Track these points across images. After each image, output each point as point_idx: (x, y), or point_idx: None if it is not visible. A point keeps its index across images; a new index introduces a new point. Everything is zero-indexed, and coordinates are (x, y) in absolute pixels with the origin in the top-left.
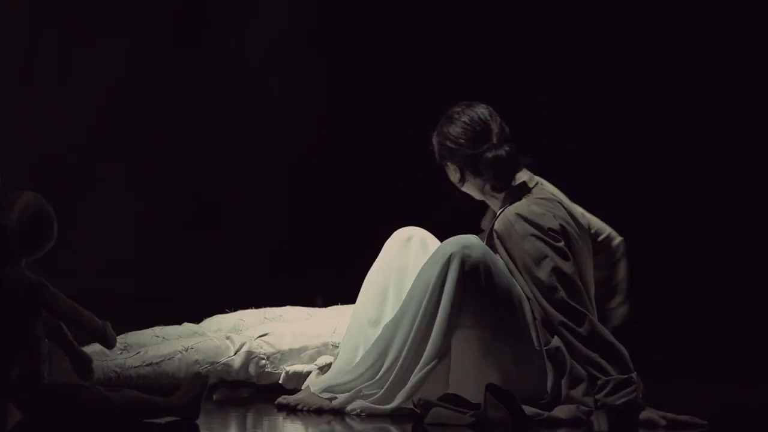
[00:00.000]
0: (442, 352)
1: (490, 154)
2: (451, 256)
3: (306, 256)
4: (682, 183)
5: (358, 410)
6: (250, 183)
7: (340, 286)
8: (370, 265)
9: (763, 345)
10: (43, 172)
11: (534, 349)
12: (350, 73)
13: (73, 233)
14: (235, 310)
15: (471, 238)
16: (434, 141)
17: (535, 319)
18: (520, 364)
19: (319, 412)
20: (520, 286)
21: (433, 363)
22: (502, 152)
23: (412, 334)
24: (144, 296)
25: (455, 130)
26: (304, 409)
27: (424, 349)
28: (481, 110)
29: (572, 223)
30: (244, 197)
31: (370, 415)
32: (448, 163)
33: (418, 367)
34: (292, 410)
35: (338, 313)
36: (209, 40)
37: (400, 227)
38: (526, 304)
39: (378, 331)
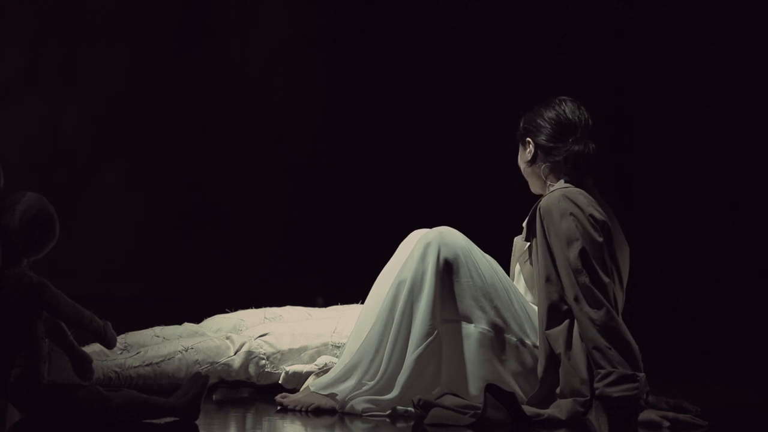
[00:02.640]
0: (430, 333)
1: (577, 146)
2: (428, 244)
3: (306, 256)
4: (681, 183)
5: (360, 410)
6: (251, 183)
7: (340, 286)
8: (371, 265)
9: (763, 345)
10: (45, 173)
11: (525, 342)
12: (351, 76)
13: (75, 233)
14: (235, 310)
15: (450, 229)
16: (525, 116)
17: (527, 312)
18: (508, 356)
19: (317, 412)
20: (547, 265)
21: (422, 346)
22: (590, 147)
23: (396, 321)
24: (144, 296)
25: (551, 112)
26: (302, 408)
27: (410, 334)
28: (582, 111)
29: (616, 227)
30: (244, 198)
31: (371, 415)
32: (528, 139)
33: (409, 350)
34: (290, 410)
35: (338, 313)
36: (212, 43)
37: (399, 228)
38: (514, 297)
39: None
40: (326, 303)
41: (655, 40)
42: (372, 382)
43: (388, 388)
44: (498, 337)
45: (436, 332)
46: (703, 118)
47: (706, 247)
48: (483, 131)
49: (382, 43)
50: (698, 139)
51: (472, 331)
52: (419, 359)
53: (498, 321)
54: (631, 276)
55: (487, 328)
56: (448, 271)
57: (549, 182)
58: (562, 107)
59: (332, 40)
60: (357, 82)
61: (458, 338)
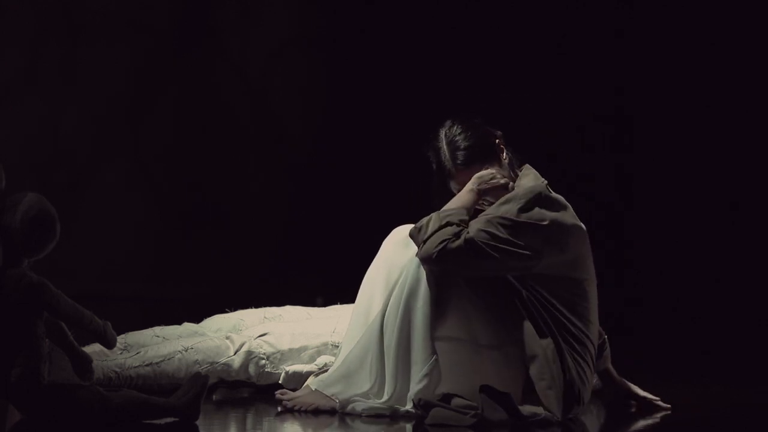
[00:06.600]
0: (433, 351)
1: None
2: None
3: (306, 256)
4: (681, 183)
5: (360, 410)
6: (251, 183)
7: (340, 286)
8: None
9: (763, 345)
10: (45, 173)
11: (500, 353)
12: (351, 76)
13: (75, 233)
14: (235, 310)
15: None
16: (469, 134)
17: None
18: (509, 365)
19: (316, 412)
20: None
21: (428, 365)
22: None
23: (396, 335)
24: (144, 296)
25: (467, 124)
26: (302, 408)
27: (413, 349)
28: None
29: (577, 225)
30: (244, 198)
31: (370, 416)
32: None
33: (416, 368)
34: (289, 409)
35: (338, 313)
36: (212, 43)
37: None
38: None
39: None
40: (326, 303)
41: (655, 40)
42: (380, 401)
43: (400, 404)
44: (500, 350)
45: (437, 352)
46: (702, 118)
47: (706, 247)
48: None
49: (382, 43)
50: (698, 139)
51: (471, 344)
52: (427, 377)
53: (497, 332)
54: (632, 276)
55: (486, 339)
56: (445, 284)
57: (514, 172)
58: (459, 123)
59: (332, 40)
60: (357, 82)
61: (460, 352)
